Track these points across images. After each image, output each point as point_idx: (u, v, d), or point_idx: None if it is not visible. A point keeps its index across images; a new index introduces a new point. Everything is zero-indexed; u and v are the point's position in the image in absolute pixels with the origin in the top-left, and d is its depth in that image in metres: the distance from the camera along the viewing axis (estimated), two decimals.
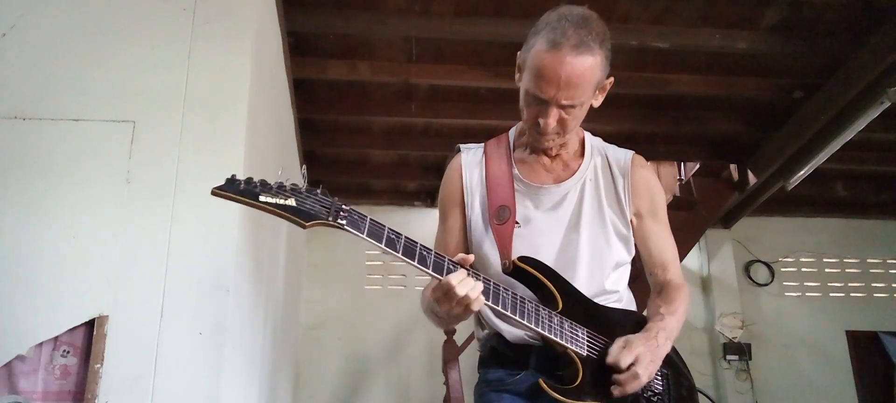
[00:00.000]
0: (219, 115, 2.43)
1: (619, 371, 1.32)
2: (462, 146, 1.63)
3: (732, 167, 5.10)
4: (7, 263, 2.19)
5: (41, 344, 2.13)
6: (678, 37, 3.58)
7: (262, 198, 1.11)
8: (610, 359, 1.34)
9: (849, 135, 4.14)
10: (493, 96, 4.25)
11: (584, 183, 1.53)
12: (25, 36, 2.43)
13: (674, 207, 5.46)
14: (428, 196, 5.95)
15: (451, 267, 1.25)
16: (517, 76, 1.45)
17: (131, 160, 2.33)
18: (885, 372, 5.85)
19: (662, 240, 1.58)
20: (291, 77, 3.81)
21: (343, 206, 1.16)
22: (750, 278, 6.18)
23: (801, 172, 4.73)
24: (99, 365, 2.11)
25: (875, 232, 6.31)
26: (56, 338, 2.14)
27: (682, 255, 5.47)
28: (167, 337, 2.18)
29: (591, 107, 1.45)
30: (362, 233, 1.16)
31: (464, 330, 4.40)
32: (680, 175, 5.68)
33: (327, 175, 5.42)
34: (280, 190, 1.13)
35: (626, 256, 1.54)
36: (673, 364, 1.49)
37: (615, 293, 1.52)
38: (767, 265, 6.20)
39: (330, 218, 1.14)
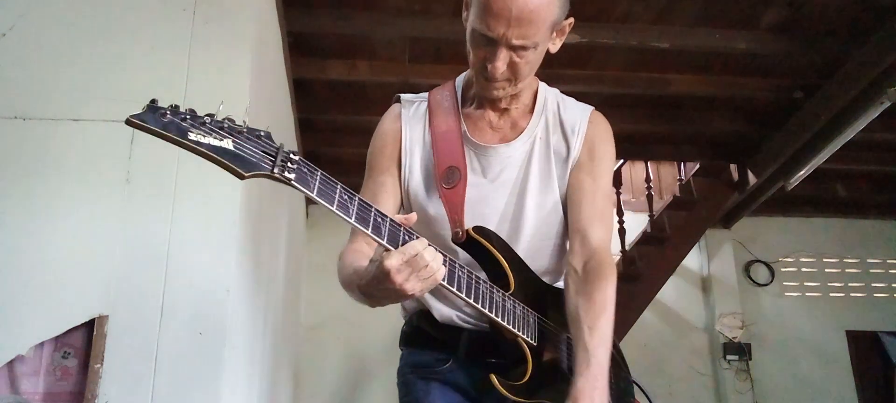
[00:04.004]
0: (218, 115, 2.42)
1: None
2: (402, 96, 1.45)
3: (732, 167, 5.10)
4: (7, 263, 2.19)
5: (42, 345, 2.13)
6: (678, 37, 3.58)
7: (191, 137, 0.91)
8: None
9: (849, 135, 4.14)
10: None
11: (534, 143, 1.36)
12: (25, 36, 2.43)
13: (674, 207, 5.46)
14: None
15: (407, 236, 1.07)
16: (464, 14, 1.25)
17: (131, 160, 2.32)
18: (885, 372, 5.85)
19: (595, 200, 1.33)
20: (291, 77, 3.81)
21: (292, 155, 0.97)
22: (750, 278, 6.18)
23: (801, 172, 4.73)
24: (99, 365, 2.11)
25: (875, 232, 6.30)
26: (56, 339, 2.14)
27: (682, 255, 5.47)
28: (167, 337, 2.18)
29: (548, 53, 1.27)
30: (312, 191, 0.98)
31: None
32: (680, 175, 5.67)
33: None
34: (215, 127, 0.93)
35: None
36: (613, 362, 1.33)
37: (555, 270, 1.41)
38: (767, 265, 6.20)
39: (275, 170, 0.95)
